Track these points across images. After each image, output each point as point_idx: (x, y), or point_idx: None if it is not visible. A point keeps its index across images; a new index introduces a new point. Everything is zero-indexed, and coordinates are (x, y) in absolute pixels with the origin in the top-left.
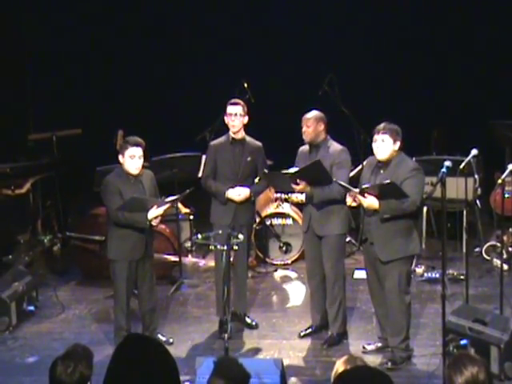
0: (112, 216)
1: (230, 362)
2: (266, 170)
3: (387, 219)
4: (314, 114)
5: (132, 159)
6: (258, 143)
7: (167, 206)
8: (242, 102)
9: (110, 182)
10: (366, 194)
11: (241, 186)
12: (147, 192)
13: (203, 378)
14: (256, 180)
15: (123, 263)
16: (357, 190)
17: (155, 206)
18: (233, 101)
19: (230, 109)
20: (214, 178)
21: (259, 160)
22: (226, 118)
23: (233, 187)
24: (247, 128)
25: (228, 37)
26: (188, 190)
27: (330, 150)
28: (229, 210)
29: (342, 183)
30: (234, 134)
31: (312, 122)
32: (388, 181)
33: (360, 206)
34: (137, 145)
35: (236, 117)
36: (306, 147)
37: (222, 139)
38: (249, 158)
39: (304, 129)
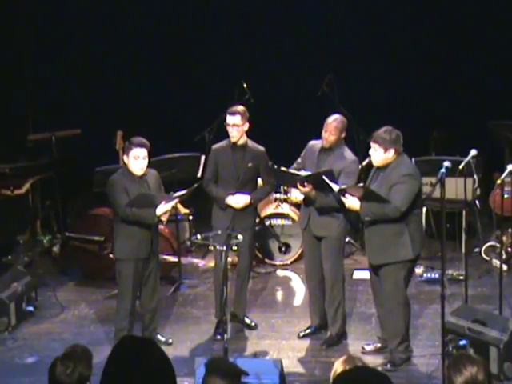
0: (120, 213)
1: (221, 361)
2: (275, 166)
3: (372, 223)
4: (338, 122)
5: (136, 160)
6: (261, 148)
7: (175, 201)
8: (240, 111)
9: (116, 181)
10: (347, 195)
11: (241, 191)
12: (153, 191)
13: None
14: (260, 183)
15: (129, 262)
16: (336, 189)
17: (163, 202)
18: (231, 110)
19: (229, 119)
20: (215, 182)
21: (261, 165)
22: (225, 124)
23: (233, 194)
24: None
25: (227, 37)
26: (196, 185)
27: (343, 157)
28: (228, 214)
29: (327, 180)
30: (234, 142)
31: (336, 132)
32: (361, 184)
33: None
34: (141, 145)
35: (234, 127)
36: (317, 143)
37: (223, 143)
38: (250, 164)
39: (326, 135)
